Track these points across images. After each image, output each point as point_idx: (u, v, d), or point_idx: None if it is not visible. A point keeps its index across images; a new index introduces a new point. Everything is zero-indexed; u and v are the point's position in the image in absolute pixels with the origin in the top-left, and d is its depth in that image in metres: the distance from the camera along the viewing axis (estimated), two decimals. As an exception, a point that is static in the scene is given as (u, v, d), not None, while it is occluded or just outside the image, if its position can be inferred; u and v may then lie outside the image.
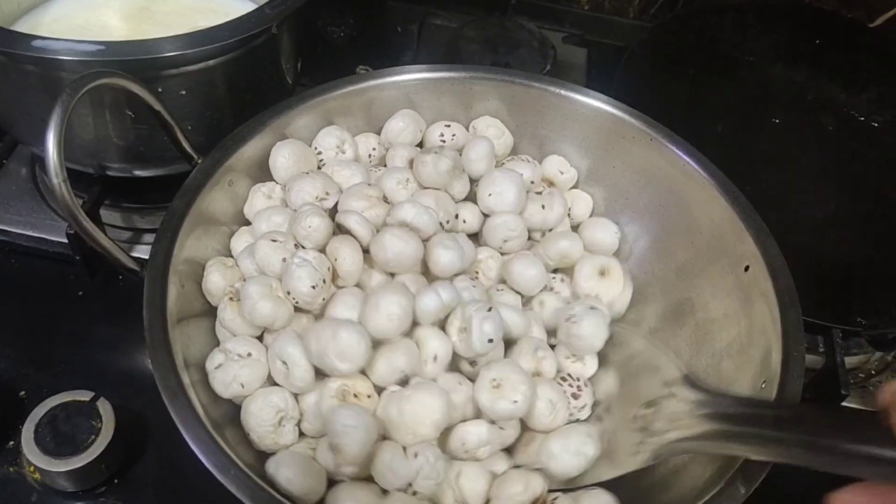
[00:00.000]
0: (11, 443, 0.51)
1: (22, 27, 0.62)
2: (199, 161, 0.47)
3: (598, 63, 0.83)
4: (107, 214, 0.61)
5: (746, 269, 0.47)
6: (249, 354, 0.44)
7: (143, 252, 0.59)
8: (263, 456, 0.42)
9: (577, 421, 0.46)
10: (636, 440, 0.42)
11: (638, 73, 0.74)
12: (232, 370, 0.43)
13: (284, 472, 0.39)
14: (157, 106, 0.45)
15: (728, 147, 0.65)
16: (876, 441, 0.30)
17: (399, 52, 0.83)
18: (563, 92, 0.55)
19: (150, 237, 0.60)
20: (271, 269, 0.45)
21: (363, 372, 0.43)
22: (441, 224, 0.49)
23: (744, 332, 0.46)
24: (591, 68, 0.82)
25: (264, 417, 0.42)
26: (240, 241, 0.50)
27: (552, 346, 0.49)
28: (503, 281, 0.52)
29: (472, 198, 0.54)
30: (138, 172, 0.57)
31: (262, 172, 0.52)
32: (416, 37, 0.84)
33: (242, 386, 0.43)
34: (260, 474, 0.37)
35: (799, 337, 0.43)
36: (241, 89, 0.55)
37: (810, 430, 0.34)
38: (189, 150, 0.47)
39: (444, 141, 0.56)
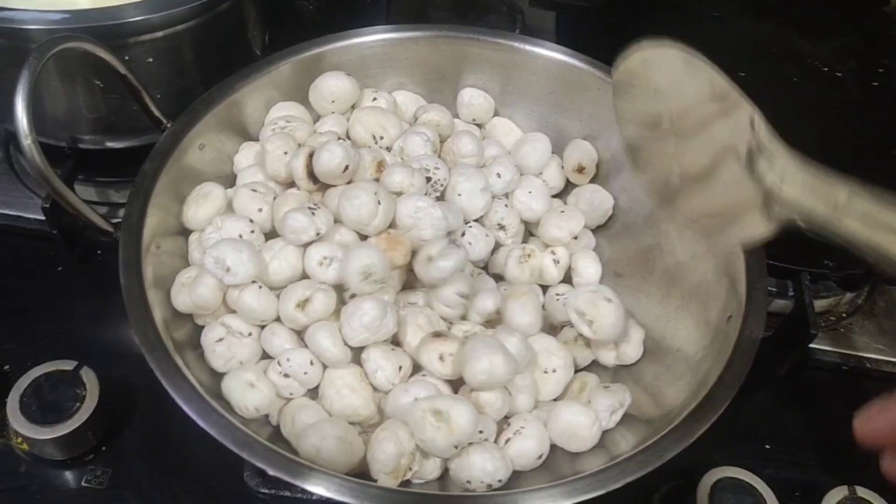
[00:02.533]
0: (-2, 416, 0.51)
1: (-12, 9, 0.62)
2: (169, 125, 0.48)
3: (567, 25, 0.83)
4: (81, 190, 0.61)
5: (711, 210, 0.48)
6: (250, 334, 0.46)
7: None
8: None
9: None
10: (758, 199, 0.42)
11: (605, 32, 0.75)
12: (234, 347, 0.44)
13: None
14: (123, 70, 0.45)
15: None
16: None
17: (369, 22, 0.82)
18: (526, 47, 0.56)
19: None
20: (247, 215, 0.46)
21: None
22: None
23: (710, 271, 0.48)
24: (559, 31, 0.83)
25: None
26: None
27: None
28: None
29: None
30: (111, 144, 0.57)
31: (233, 135, 0.52)
32: (385, 7, 0.84)
33: (241, 363, 0.45)
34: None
35: (762, 270, 0.44)
36: (208, 57, 0.55)
37: None
38: (158, 114, 0.48)
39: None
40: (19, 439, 0.50)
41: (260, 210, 0.48)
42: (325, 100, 0.54)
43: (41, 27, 0.47)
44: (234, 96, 0.51)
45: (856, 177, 0.64)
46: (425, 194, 0.49)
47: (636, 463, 0.37)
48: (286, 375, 0.44)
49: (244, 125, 0.53)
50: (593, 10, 0.79)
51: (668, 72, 0.43)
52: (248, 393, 0.42)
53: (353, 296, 0.45)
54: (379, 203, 0.46)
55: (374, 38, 0.56)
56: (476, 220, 0.52)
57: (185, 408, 0.36)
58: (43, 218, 0.58)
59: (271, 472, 0.35)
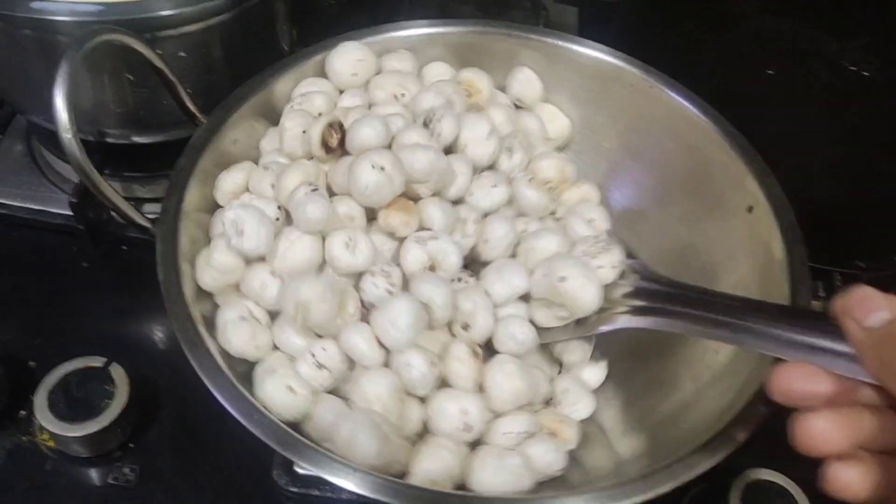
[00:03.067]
0: (23, 412, 0.51)
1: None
2: (204, 121, 0.47)
3: (590, 21, 0.83)
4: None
5: (750, 209, 0.48)
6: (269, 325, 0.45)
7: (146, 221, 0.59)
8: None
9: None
10: None
11: (630, 29, 0.74)
12: (255, 329, 0.43)
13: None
14: (160, 63, 0.44)
15: (723, 99, 0.65)
16: (821, 334, 0.34)
17: (391, 16, 0.82)
18: (560, 42, 0.55)
19: (151, 206, 0.60)
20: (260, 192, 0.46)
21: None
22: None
23: (749, 272, 0.47)
24: (582, 27, 0.82)
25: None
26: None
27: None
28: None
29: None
30: (137, 139, 0.56)
31: (265, 130, 0.52)
32: (407, 1, 0.83)
33: (257, 347, 0.43)
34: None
35: (804, 272, 0.43)
36: (237, 52, 0.55)
37: (761, 320, 0.37)
38: (193, 109, 0.47)
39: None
40: (45, 436, 0.49)
41: (272, 185, 0.47)
42: (346, 72, 0.53)
43: (73, 19, 0.46)
44: (267, 91, 0.50)
45: (886, 175, 0.65)
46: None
47: (684, 466, 0.37)
48: (320, 367, 0.42)
49: (277, 120, 0.52)
50: (617, 7, 0.78)
51: None
52: (288, 398, 0.41)
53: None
54: (383, 169, 0.44)
55: (406, 32, 0.55)
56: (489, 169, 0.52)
57: (228, 406, 0.36)
58: (66, 212, 0.57)
59: (317, 473, 0.34)
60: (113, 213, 0.51)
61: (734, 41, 0.76)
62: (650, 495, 0.36)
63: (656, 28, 0.76)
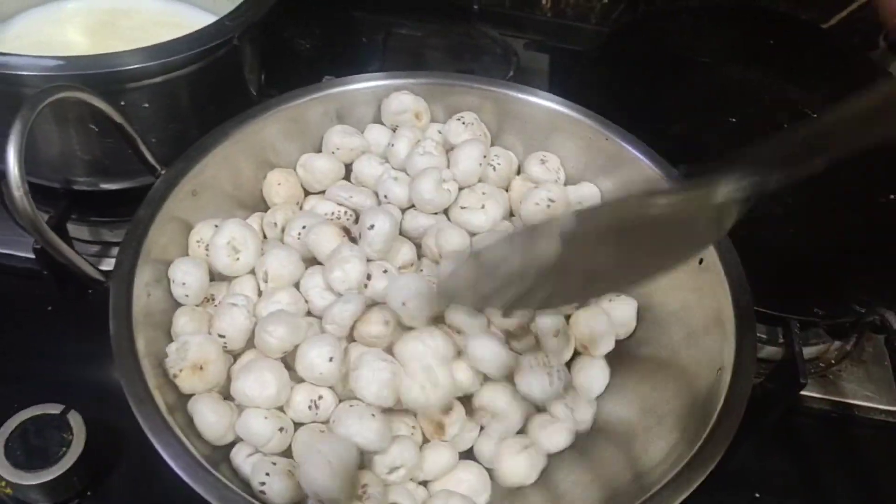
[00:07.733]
0: (-17, 458, 0.51)
1: (-17, 46, 0.62)
2: (163, 172, 0.48)
3: (560, 68, 0.84)
4: (74, 229, 0.61)
5: (700, 262, 0.49)
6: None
7: (112, 265, 0.59)
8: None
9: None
10: None
11: (596, 76, 0.76)
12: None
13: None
14: (119, 119, 0.45)
15: (686, 146, 0.67)
16: None
17: (366, 62, 0.84)
18: (518, 95, 0.57)
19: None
20: None
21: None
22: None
23: (699, 323, 0.48)
24: (553, 73, 0.84)
25: None
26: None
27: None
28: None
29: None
30: (104, 186, 0.57)
31: (226, 182, 0.53)
32: (382, 47, 0.85)
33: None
34: (229, 477, 0.38)
35: (751, 324, 0.44)
36: (204, 101, 0.56)
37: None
38: (152, 161, 0.48)
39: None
40: (3, 483, 0.49)
41: None
42: None
43: (36, 73, 0.47)
44: (229, 142, 0.51)
45: (845, 224, 0.66)
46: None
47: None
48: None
49: (238, 170, 0.53)
50: (585, 55, 0.80)
51: None
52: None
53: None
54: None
55: (367, 84, 0.56)
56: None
57: (172, 464, 0.36)
58: (33, 256, 0.58)
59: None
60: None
61: (698, 90, 0.78)
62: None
63: (622, 75, 0.78)
